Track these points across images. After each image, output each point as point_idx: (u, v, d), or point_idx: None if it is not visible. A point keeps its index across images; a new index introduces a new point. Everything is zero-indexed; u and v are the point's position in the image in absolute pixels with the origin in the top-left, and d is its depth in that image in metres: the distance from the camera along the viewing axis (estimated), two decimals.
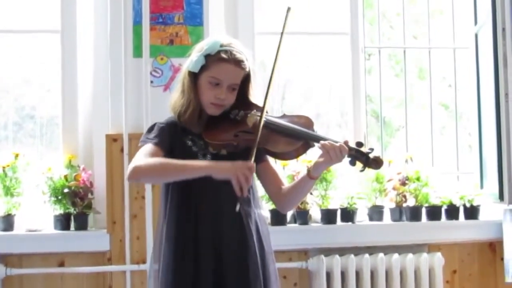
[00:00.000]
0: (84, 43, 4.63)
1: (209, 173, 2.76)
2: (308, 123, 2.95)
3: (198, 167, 2.78)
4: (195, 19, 4.49)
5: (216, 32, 4.41)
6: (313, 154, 3.04)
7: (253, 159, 2.80)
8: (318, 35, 5.12)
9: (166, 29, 4.48)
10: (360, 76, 4.89)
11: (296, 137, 2.89)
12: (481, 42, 4.93)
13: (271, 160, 3.04)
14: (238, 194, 2.72)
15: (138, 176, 2.84)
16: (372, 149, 2.86)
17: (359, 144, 2.87)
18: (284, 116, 3.00)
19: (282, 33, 2.98)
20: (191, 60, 2.92)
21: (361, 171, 2.88)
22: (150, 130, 2.96)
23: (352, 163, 2.85)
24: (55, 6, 4.65)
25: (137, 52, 4.44)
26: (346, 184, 4.68)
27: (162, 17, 4.47)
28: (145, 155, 2.85)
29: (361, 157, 2.84)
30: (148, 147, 2.89)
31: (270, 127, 2.91)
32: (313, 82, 5.23)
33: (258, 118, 2.87)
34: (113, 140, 4.43)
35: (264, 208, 3.10)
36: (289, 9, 2.99)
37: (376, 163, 2.85)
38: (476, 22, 4.98)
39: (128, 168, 2.84)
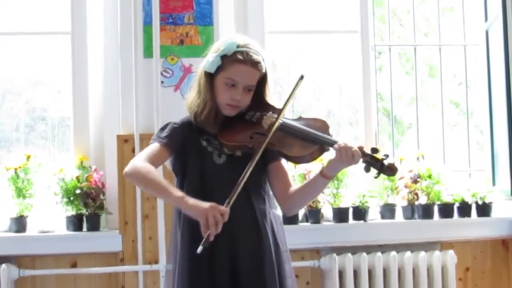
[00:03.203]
0: (95, 44, 4.63)
1: (180, 207, 2.79)
2: (324, 127, 2.93)
3: (172, 197, 2.79)
4: (205, 19, 4.49)
5: (226, 32, 4.42)
6: (329, 156, 3.03)
7: (257, 157, 2.79)
8: (328, 33, 5.12)
9: (176, 29, 4.48)
10: (371, 74, 4.87)
11: (311, 141, 2.87)
12: (492, 39, 4.91)
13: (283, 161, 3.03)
14: (203, 234, 2.68)
15: (128, 177, 2.90)
16: (386, 156, 2.83)
17: (374, 150, 2.84)
18: (300, 119, 2.99)
19: (290, 96, 2.94)
20: (207, 61, 2.91)
21: (375, 177, 2.86)
22: (163, 128, 2.98)
23: (367, 169, 2.83)
24: (65, 8, 4.66)
25: (148, 52, 4.44)
26: (357, 183, 4.67)
27: (172, 17, 4.47)
28: (149, 155, 2.89)
29: (376, 163, 2.81)
30: (155, 146, 2.92)
31: (286, 129, 2.89)
32: (323, 81, 5.23)
33: (274, 120, 2.86)
34: (124, 140, 4.44)
35: (278, 207, 3.08)
36: (302, 77, 2.94)
37: (390, 170, 2.82)
38: (486, 19, 4.96)
39: (129, 162, 2.88)
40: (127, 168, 2.87)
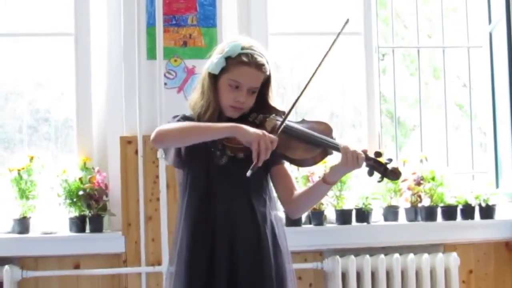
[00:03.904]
0: (98, 46, 4.63)
1: (233, 134, 2.75)
2: (327, 130, 2.93)
3: (223, 127, 2.77)
4: (208, 21, 4.49)
5: (229, 33, 4.42)
6: (332, 160, 3.02)
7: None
8: (332, 35, 5.07)
9: (179, 30, 4.48)
10: (374, 76, 4.87)
11: (315, 144, 2.86)
12: (496, 41, 4.91)
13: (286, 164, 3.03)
14: (254, 160, 2.70)
15: (162, 137, 2.84)
16: (390, 160, 2.83)
17: (378, 154, 2.84)
18: (303, 122, 2.98)
19: (334, 42, 2.94)
20: (212, 62, 2.91)
21: (379, 181, 2.85)
22: (175, 117, 2.98)
23: (370, 173, 2.83)
24: (68, 9, 4.66)
25: (151, 54, 4.44)
26: (361, 185, 4.67)
27: (175, 19, 4.47)
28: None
29: (379, 167, 2.81)
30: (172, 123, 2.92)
31: (289, 132, 2.88)
32: (326, 83, 5.22)
33: (277, 122, 2.86)
34: (127, 142, 4.44)
35: (279, 209, 3.08)
36: (348, 21, 2.95)
37: (394, 174, 2.82)
38: (490, 21, 4.96)
39: (153, 133, 2.84)
40: (155, 135, 2.82)
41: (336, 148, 2.83)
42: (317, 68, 2.92)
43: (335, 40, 2.95)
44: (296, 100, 2.92)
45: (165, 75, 4.45)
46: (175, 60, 4.46)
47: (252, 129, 2.73)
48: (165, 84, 4.45)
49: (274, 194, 3.03)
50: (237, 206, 2.77)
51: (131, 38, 4.45)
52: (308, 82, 2.92)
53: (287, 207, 3.03)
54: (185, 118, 2.95)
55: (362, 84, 4.89)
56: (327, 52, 2.93)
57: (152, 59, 4.44)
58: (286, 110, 2.92)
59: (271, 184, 3.01)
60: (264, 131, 2.73)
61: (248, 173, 2.70)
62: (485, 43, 5.03)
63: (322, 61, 2.93)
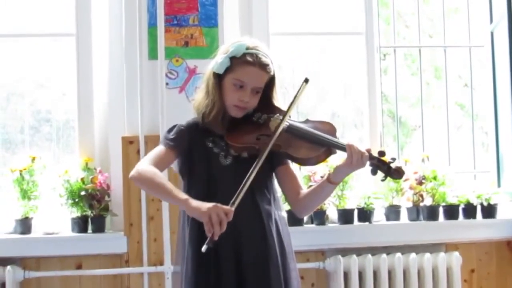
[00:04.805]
0: (99, 46, 4.63)
1: (183, 208, 2.79)
2: (331, 129, 2.94)
3: (177, 199, 2.79)
4: (210, 21, 4.48)
5: (231, 33, 4.42)
6: (334, 160, 3.02)
7: (261, 161, 2.78)
8: (333, 35, 5.12)
9: (181, 30, 4.48)
10: (376, 76, 4.87)
11: (318, 144, 2.87)
12: (497, 40, 4.91)
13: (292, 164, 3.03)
14: (207, 234, 2.67)
15: (134, 181, 2.91)
16: (394, 159, 2.84)
17: (381, 153, 2.85)
18: (307, 121, 2.99)
19: (294, 99, 2.92)
20: (216, 62, 2.92)
21: (382, 180, 2.87)
22: (170, 130, 2.99)
23: (374, 172, 2.84)
24: (69, 9, 4.66)
25: (152, 54, 4.44)
26: (362, 184, 4.67)
27: (176, 19, 4.47)
28: (154, 158, 2.92)
29: (383, 166, 2.82)
30: (160, 149, 2.95)
31: (293, 132, 2.90)
32: (328, 82, 5.23)
33: (280, 122, 2.86)
34: (129, 142, 4.43)
35: (283, 209, 3.09)
36: (306, 80, 2.93)
37: (397, 173, 2.83)
38: (491, 20, 4.96)
39: (135, 166, 2.90)
40: (132, 173, 2.89)
41: (341, 147, 2.83)
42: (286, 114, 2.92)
43: (296, 97, 2.93)
44: (291, 104, 2.91)
45: (166, 75, 4.45)
46: (177, 60, 4.46)
47: (202, 204, 2.71)
48: (167, 84, 4.45)
49: (278, 194, 3.04)
50: (242, 205, 2.77)
51: (133, 38, 4.45)
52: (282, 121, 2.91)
53: (294, 207, 3.05)
54: (179, 131, 2.97)
55: (364, 84, 4.89)
56: (290, 105, 2.92)
57: (153, 59, 4.44)
58: (290, 113, 2.92)
59: (275, 183, 3.03)
60: (218, 204, 2.69)
61: (203, 249, 2.67)
62: (486, 42, 5.02)
63: (288, 109, 2.92)
